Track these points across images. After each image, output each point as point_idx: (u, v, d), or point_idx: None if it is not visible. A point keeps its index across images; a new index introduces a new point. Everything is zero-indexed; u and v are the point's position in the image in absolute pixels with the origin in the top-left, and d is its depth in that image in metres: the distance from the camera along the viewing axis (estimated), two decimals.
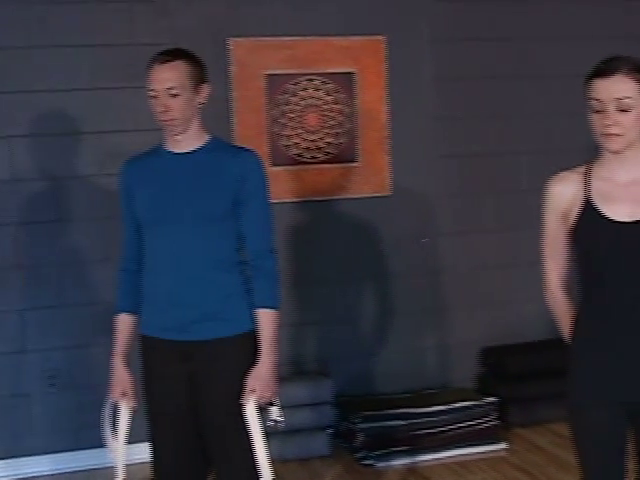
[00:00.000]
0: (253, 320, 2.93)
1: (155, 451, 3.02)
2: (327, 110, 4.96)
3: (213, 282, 2.90)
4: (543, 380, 4.91)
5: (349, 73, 4.98)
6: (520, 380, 5.06)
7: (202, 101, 2.94)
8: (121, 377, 2.99)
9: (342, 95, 4.97)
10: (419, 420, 4.71)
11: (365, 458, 4.58)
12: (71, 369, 4.68)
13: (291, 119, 4.92)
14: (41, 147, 4.63)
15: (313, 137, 4.96)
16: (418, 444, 4.64)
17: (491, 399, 4.86)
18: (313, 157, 4.96)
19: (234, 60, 4.78)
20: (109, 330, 3.11)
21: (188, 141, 2.94)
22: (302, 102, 4.93)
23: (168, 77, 2.84)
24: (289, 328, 4.90)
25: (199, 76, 2.92)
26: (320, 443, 4.70)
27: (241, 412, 2.86)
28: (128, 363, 3.01)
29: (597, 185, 2.50)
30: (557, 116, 5.26)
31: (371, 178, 5.04)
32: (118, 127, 4.66)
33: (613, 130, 2.39)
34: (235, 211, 2.92)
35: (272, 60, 4.84)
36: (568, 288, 2.68)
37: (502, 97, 5.25)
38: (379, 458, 4.57)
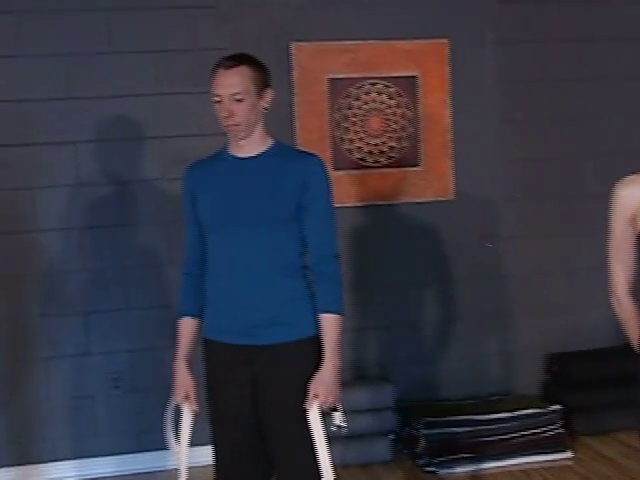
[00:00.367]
0: (317, 325, 2.91)
1: (217, 454, 3.03)
2: (390, 114, 4.93)
3: (277, 286, 2.89)
4: (610, 388, 4.80)
5: (412, 77, 4.95)
6: (586, 388, 4.97)
7: (266, 106, 2.94)
8: (184, 380, 3.00)
9: (405, 99, 4.94)
10: (482, 427, 4.65)
11: (427, 465, 4.54)
12: (134, 372, 4.73)
13: (354, 123, 4.90)
14: (106, 152, 4.69)
15: (376, 141, 4.94)
16: (481, 451, 4.59)
17: (556, 407, 4.78)
18: (375, 161, 4.94)
19: (296, 64, 4.78)
20: (172, 333, 3.12)
21: (252, 146, 2.94)
22: (365, 106, 4.91)
23: (232, 82, 2.84)
24: (350, 333, 4.87)
25: (263, 81, 2.92)
26: (382, 449, 4.68)
27: (304, 417, 2.85)
28: (191, 367, 3.02)
29: None
30: (623, 118, 5.17)
31: (434, 182, 5.00)
32: (182, 132, 4.69)
33: None
34: (299, 215, 2.91)
35: (335, 64, 4.83)
36: (635, 293, 2.62)
37: (566, 99, 5.17)
38: (442, 465, 4.52)
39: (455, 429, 4.62)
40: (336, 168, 4.83)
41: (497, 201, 5.11)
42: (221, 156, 3.01)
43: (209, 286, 2.98)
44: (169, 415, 3.04)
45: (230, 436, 2.98)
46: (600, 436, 4.87)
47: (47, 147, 4.60)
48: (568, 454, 4.64)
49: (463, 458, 4.56)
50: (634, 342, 2.61)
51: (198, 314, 3.02)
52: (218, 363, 2.97)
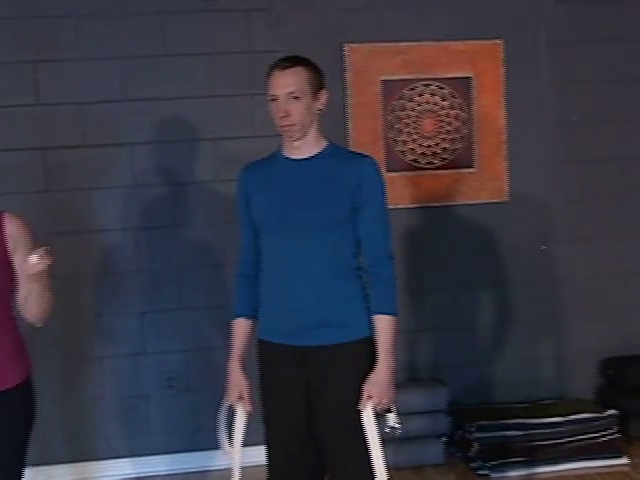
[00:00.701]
0: (371, 326, 2.91)
1: (270, 454, 3.05)
2: (443, 115, 4.91)
3: (331, 287, 2.90)
4: None
5: (466, 78, 4.92)
6: None
7: (321, 107, 2.96)
8: (238, 381, 3.02)
9: (459, 100, 4.91)
10: (536, 431, 4.61)
11: (480, 468, 4.51)
12: (188, 372, 4.77)
13: (407, 125, 4.89)
14: (160, 153, 4.73)
15: (429, 143, 4.92)
16: (535, 455, 4.54)
17: (611, 411, 4.71)
18: (429, 163, 4.92)
19: (350, 66, 4.79)
20: (226, 333, 3.15)
21: (306, 147, 2.96)
22: (418, 107, 4.89)
23: (289, 82, 2.87)
24: (404, 335, 4.85)
25: (318, 82, 2.94)
26: (434, 451, 4.66)
27: (358, 418, 2.86)
28: (245, 367, 3.04)
29: None
30: None
31: (488, 184, 4.97)
32: (235, 134, 4.72)
33: None
34: (353, 217, 2.92)
35: (388, 66, 4.83)
36: None
37: (623, 100, 5.10)
38: (494, 468, 4.49)
39: (508, 433, 4.58)
40: (389, 170, 4.82)
41: (552, 203, 5.06)
42: (275, 158, 3.03)
43: (263, 287, 3.00)
44: (222, 415, 3.06)
45: (283, 436, 2.99)
46: None
47: (104, 149, 4.66)
48: (624, 460, 4.58)
49: (516, 462, 4.52)
50: None
51: (252, 315, 3.05)
52: (272, 364, 2.99)
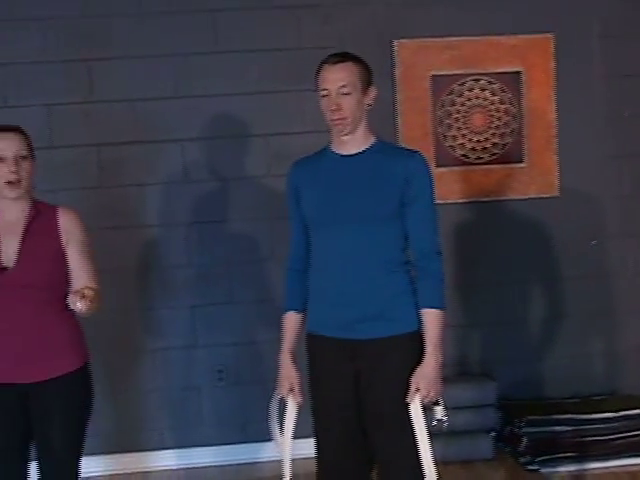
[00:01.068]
0: (419, 320, 2.94)
1: (319, 447, 3.09)
2: (493, 110, 4.90)
3: (380, 282, 2.93)
4: None
5: (516, 72, 4.90)
6: None
7: (369, 103, 3.00)
8: (288, 373, 3.06)
9: (508, 95, 4.90)
10: (586, 427, 4.59)
11: (529, 463, 4.49)
12: (239, 364, 4.82)
13: (456, 120, 4.89)
14: (212, 149, 4.79)
15: (479, 137, 4.91)
16: (585, 451, 4.51)
17: None
18: (478, 158, 4.92)
19: (399, 62, 4.80)
20: (275, 327, 3.19)
21: (355, 143, 2.99)
22: (468, 102, 4.89)
23: (340, 77, 2.91)
24: (454, 329, 4.88)
25: (367, 78, 2.98)
26: (483, 446, 4.65)
27: (406, 411, 2.88)
28: (295, 360, 3.08)
29: None
30: None
31: (538, 179, 4.95)
32: (285, 129, 4.76)
33: None
34: (401, 212, 2.95)
35: (437, 61, 4.83)
36: None
37: None
38: (544, 463, 4.47)
39: (558, 428, 4.57)
40: (439, 165, 4.83)
41: (603, 198, 5.02)
42: (324, 154, 3.06)
43: (312, 281, 3.04)
44: (274, 407, 3.11)
45: (332, 429, 3.03)
46: None
47: (156, 145, 4.74)
48: None
49: (566, 457, 4.49)
50: None
51: (302, 309, 3.09)
52: (321, 357, 3.03)
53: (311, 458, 3.16)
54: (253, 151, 4.81)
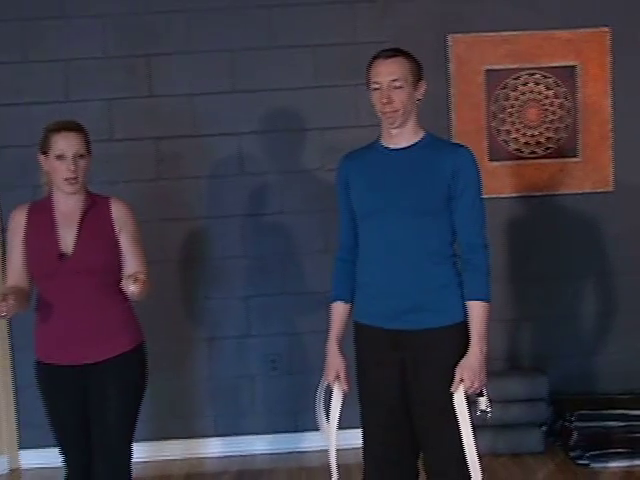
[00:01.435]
0: (464, 312, 2.98)
1: (366, 435, 3.15)
2: (547, 104, 4.90)
3: (426, 273, 2.98)
4: None
5: (571, 66, 4.89)
6: None
7: (419, 97, 3.05)
8: (335, 361, 3.13)
9: (563, 89, 4.89)
10: (638, 423, 4.57)
11: (580, 457, 4.50)
12: (291, 354, 4.90)
13: (510, 114, 4.90)
14: (267, 143, 4.87)
15: (533, 132, 4.91)
16: (637, 447, 4.50)
17: None
18: (532, 152, 4.92)
19: (454, 56, 4.82)
20: (328, 318, 3.25)
21: (404, 137, 3.04)
22: (522, 97, 4.89)
23: (392, 70, 2.97)
24: (505, 323, 4.91)
25: (418, 73, 3.04)
26: (534, 439, 4.67)
27: (451, 401, 2.93)
28: (342, 348, 3.14)
29: None
30: None
31: (592, 174, 4.93)
32: (340, 123, 4.81)
33: None
34: (449, 205, 2.99)
35: (492, 55, 4.84)
36: None
37: None
38: (595, 458, 4.47)
39: (610, 423, 4.56)
40: (492, 159, 4.85)
41: None
42: (374, 147, 3.12)
43: (360, 271, 3.10)
44: (320, 394, 3.18)
45: (379, 417, 3.09)
46: None
47: (213, 138, 4.83)
48: None
49: (617, 453, 4.49)
50: None
51: (349, 298, 3.15)
52: (368, 346, 3.09)
53: (358, 448, 3.20)
54: (308, 145, 4.87)
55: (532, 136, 4.91)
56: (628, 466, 4.45)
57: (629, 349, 4.97)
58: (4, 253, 3.48)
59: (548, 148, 4.91)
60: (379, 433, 3.10)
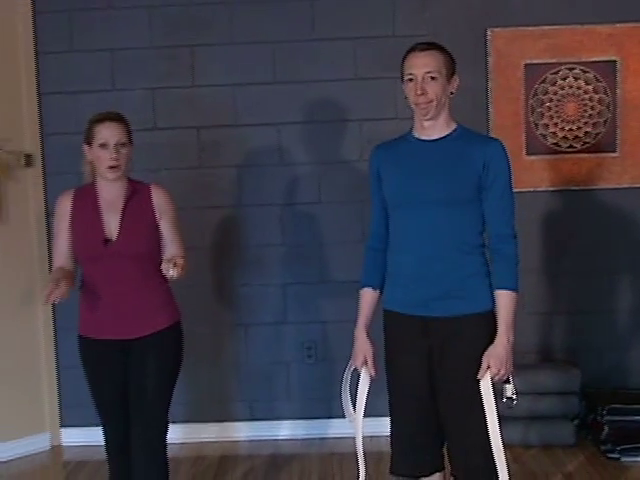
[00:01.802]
0: (492, 300, 3.03)
1: (393, 421, 3.20)
2: (586, 99, 4.91)
3: (456, 262, 3.03)
4: None
5: (611, 61, 4.89)
6: None
7: (452, 91, 3.10)
8: (363, 346, 3.20)
9: (603, 84, 4.89)
10: None
11: (610, 451, 4.52)
12: (327, 342, 4.98)
13: (549, 108, 4.92)
14: (307, 133, 4.94)
15: (571, 126, 4.93)
16: None
17: None
18: (570, 147, 4.93)
19: (493, 50, 4.85)
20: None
21: (436, 128, 3.09)
22: (561, 91, 4.91)
23: (427, 62, 3.02)
24: (539, 316, 4.94)
25: (452, 67, 3.09)
26: (565, 432, 4.69)
27: (477, 388, 2.98)
28: (370, 334, 3.21)
29: None
30: None
31: (630, 169, 4.93)
32: (378, 115, 4.87)
33: None
34: (479, 196, 3.04)
35: (531, 49, 4.86)
36: None
37: None
38: (625, 452, 4.49)
39: None
40: (529, 153, 4.87)
41: None
42: (406, 138, 3.18)
43: (390, 260, 3.16)
44: (347, 378, 3.26)
45: (406, 404, 3.14)
46: None
47: (253, 128, 4.92)
48: None
49: None
50: None
51: (379, 286, 3.22)
52: (396, 334, 3.15)
53: (386, 436, 3.26)
54: (347, 136, 4.94)
55: (570, 130, 4.93)
56: None
57: None
58: (51, 237, 3.62)
59: (586, 143, 4.93)
60: (406, 419, 3.15)
